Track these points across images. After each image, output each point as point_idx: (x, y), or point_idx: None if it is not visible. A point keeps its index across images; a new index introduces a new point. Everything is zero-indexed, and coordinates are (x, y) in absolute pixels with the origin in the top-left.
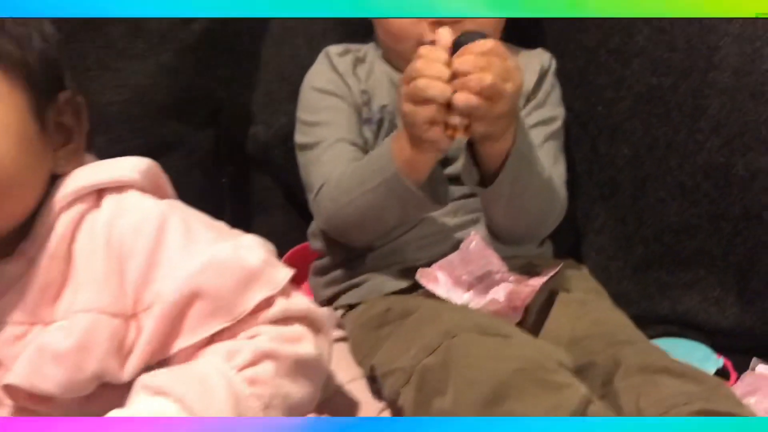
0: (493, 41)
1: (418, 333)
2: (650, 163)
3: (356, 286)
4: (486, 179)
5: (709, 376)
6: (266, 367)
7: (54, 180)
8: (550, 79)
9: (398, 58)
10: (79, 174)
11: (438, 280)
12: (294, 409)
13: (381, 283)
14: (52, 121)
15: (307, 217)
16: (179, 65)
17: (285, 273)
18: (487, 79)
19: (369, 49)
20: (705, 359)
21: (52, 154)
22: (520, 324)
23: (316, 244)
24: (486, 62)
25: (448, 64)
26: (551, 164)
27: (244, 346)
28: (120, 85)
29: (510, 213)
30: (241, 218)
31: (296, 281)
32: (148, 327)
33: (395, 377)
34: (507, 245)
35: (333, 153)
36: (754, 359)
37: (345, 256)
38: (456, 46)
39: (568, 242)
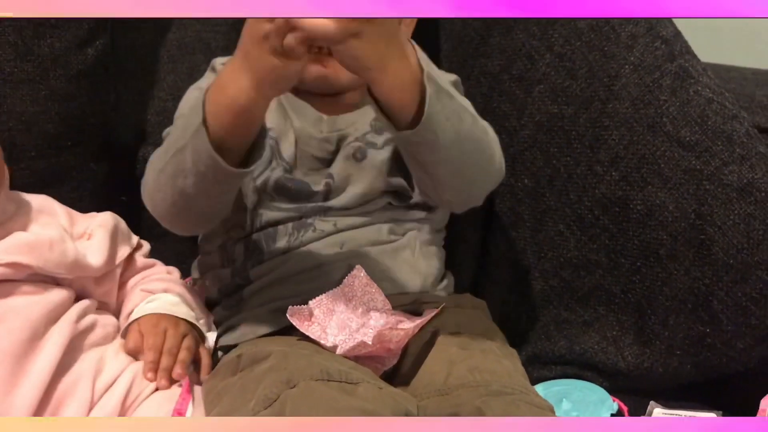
0: None
1: (261, 383)
2: (550, 195)
3: (233, 327)
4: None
5: None
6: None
7: None
8: (456, 88)
9: None
10: None
11: (312, 319)
12: None
13: (256, 324)
14: None
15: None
16: (72, 91)
17: None
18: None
19: None
20: (600, 403)
21: None
22: (398, 366)
23: (195, 277)
24: None
25: None
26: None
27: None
28: (3, 113)
29: (448, 158)
30: None
31: None
32: (98, 237)
33: None
34: (453, 207)
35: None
36: (651, 403)
37: (221, 292)
38: None
39: (470, 275)
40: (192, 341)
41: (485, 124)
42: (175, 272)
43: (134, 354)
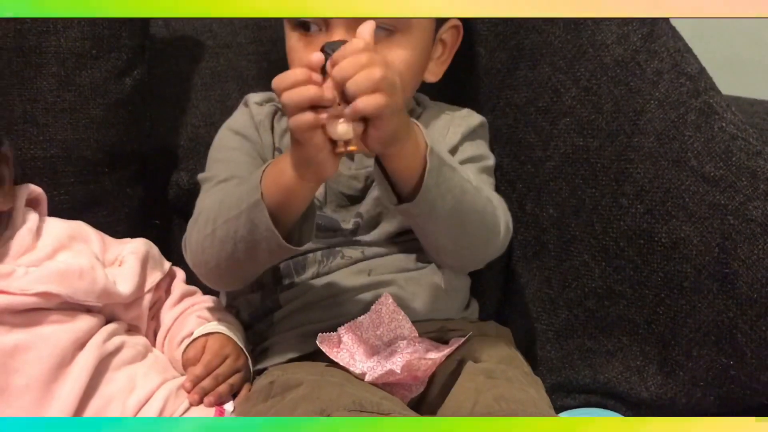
0: (362, 40)
1: (294, 412)
2: (575, 226)
3: (264, 351)
4: (406, 197)
5: None
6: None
7: None
8: (480, 132)
9: None
10: None
11: (341, 345)
12: None
13: (285, 348)
14: None
15: None
16: (110, 119)
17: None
18: (377, 72)
19: None
20: None
21: None
22: (424, 394)
23: (224, 301)
24: (367, 59)
25: (321, 78)
26: (488, 190)
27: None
28: (46, 140)
29: (449, 228)
30: None
31: None
32: (129, 264)
33: None
34: (454, 271)
35: (220, 187)
36: None
37: (252, 317)
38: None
39: (494, 302)
40: (240, 380)
41: (490, 194)
42: (217, 301)
43: (188, 366)
